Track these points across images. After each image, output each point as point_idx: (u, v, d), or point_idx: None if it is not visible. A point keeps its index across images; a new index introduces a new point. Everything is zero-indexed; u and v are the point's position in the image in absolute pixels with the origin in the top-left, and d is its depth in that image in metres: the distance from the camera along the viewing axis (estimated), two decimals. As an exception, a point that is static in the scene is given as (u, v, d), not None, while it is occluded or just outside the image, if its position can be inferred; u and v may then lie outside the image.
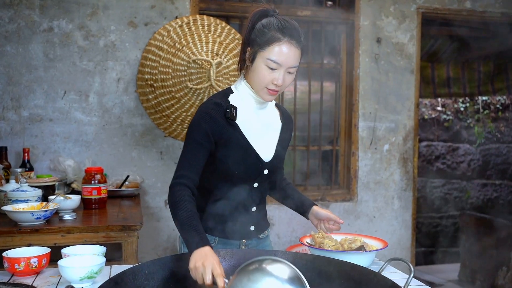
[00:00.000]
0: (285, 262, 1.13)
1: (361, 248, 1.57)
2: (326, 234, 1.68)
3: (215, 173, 1.61)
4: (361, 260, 1.52)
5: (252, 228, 1.72)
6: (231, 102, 1.64)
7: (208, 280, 1.21)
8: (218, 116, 1.59)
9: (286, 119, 1.79)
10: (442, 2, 3.71)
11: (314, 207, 1.74)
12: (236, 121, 1.62)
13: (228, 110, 1.60)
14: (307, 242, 1.70)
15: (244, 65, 1.65)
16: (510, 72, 5.43)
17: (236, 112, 1.62)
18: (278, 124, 1.75)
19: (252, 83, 1.62)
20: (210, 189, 1.65)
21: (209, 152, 1.58)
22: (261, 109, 1.69)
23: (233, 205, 1.64)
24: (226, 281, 1.20)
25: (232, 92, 1.68)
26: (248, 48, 1.62)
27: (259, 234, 1.76)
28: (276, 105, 1.79)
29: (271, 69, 1.56)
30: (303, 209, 1.80)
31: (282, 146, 1.75)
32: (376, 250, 1.58)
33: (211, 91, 2.96)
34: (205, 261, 1.25)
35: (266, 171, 1.68)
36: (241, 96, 1.66)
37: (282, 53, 1.55)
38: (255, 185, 1.67)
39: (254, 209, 1.70)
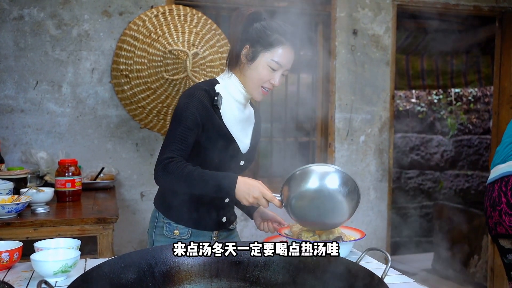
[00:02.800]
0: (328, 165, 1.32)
1: (338, 239, 1.58)
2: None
3: (194, 160, 1.61)
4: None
5: (224, 219, 1.77)
6: (217, 91, 1.68)
7: (266, 205, 1.50)
8: (206, 101, 1.63)
9: (257, 118, 1.86)
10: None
11: (261, 207, 1.79)
12: (220, 111, 1.67)
13: (216, 98, 1.65)
14: (285, 233, 1.70)
15: (237, 61, 1.69)
16: (482, 65, 5.54)
17: (221, 102, 1.67)
18: (252, 122, 1.82)
19: (247, 80, 1.68)
20: None
21: (195, 136, 1.60)
22: (242, 105, 1.74)
23: (209, 195, 1.64)
24: (278, 198, 1.49)
25: (218, 82, 1.72)
26: (247, 46, 1.66)
27: (229, 225, 1.82)
28: (250, 103, 1.85)
29: (272, 69, 1.64)
30: (248, 209, 1.87)
31: (254, 144, 1.81)
32: (353, 240, 1.59)
33: (187, 82, 2.93)
34: (253, 193, 1.48)
35: (242, 162, 1.73)
36: (228, 89, 1.70)
37: (285, 56, 1.64)
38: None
39: (227, 200, 1.74)
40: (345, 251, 1.54)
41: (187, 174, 1.50)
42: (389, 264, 1.17)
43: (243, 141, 1.74)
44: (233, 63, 1.71)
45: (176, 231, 1.72)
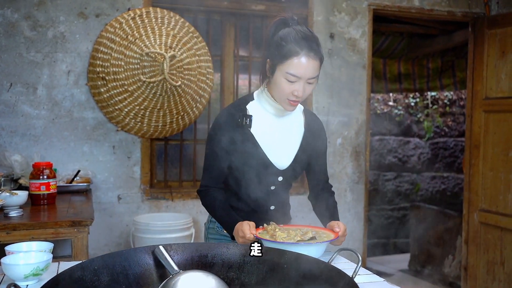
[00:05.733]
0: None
1: (312, 239, 1.60)
2: (279, 226, 1.71)
3: (232, 180, 1.73)
4: (312, 251, 1.54)
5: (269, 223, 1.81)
6: (249, 109, 1.70)
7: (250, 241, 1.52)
8: (231, 126, 1.66)
9: (311, 125, 1.79)
10: (392, 0, 3.80)
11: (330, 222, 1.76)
12: (252, 130, 1.67)
13: (239, 120, 1.65)
14: (259, 233, 1.71)
15: (266, 76, 1.69)
16: (457, 69, 5.65)
17: (250, 120, 1.67)
18: (300, 131, 1.76)
19: (274, 93, 1.66)
20: (233, 190, 1.76)
21: (226, 159, 1.68)
22: (281, 117, 1.72)
23: (253, 204, 1.75)
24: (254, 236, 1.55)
25: (252, 99, 1.73)
26: (268, 60, 1.65)
27: None
28: (304, 111, 1.81)
29: (290, 81, 1.59)
30: (324, 221, 1.86)
31: (306, 153, 1.76)
32: (327, 241, 1.61)
33: (164, 84, 2.93)
34: (238, 238, 1.57)
35: (280, 178, 1.73)
36: (261, 104, 1.71)
37: (300, 67, 1.56)
38: (272, 188, 1.74)
39: (272, 207, 1.79)
40: (318, 252, 1.56)
41: (211, 209, 1.74)
42: (359, 264, 1.19)
43: (282, 157, 1.72)
44: (264, 76, 1.71)
45: (225, 230, 1.79)
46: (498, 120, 3.80)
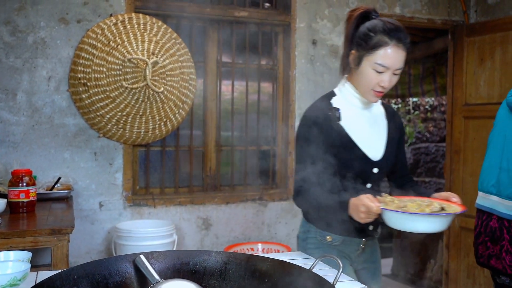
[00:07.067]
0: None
1: (442, 210, 1.50)
2: (396, 198, 1.58)
3: (327, 175, 1.66)
4: (446, 222, 1.47)
5: (371, 227, 1.79)
6: (334, 105, 1.68)
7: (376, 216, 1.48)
8: (321, 120, 1.64)
9: (391, 117, 1.81)
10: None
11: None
12: (341, 123, 1.66)
13: (330, 113, 1.64)
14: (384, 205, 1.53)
15: (348, 67, 1.68)
16: (438, 75, 5.73)
17: (339, 113, 1.66)
18: (384, 123, 1.78)
19: (358, 84, 1.66)
20: (327, 184, 1.68)
21: (320, 154, 1.63)
22: (366, 109, 1.72)
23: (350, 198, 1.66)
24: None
25: (334, 94, 1.72)
26: (353, 51, 1.65)
27: (375, 234, 1.84)
28: (382, 103, 1.81)
29: (378, 72, 1.60)
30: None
31: (393, 144, 1.77)
32: (457, 213, 1.49)
33: (147, 90, 2.91)
34: (359, 213, 1.48)
35: (376, 170, 1.71)
36: (345, 98, 1.70)
37: (390, 57, 1.58)
38: (368, 185, 1.71)
39: None
40: (445, 224, 1.48)
41: (315, 202, 1.63)
42: (341, 271, 1.19)
43: (373, 148, 1.71)
44: (345, 68, 1.70)
45: (328, 237, 1.77)
46: (477, 126, 3.86)
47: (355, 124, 1.69)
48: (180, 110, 3.20)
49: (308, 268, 1.25)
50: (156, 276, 1.20)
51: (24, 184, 2.36)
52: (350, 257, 1.82)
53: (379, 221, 1.69)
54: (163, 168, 3.49)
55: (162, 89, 2.95)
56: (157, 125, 3.14)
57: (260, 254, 2.87)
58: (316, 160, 1.63)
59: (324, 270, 1.51)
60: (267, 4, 3.74)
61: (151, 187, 3.47)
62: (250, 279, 1.31)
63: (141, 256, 1.27)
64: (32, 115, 3.05)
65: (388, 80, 1.62)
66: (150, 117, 3.06)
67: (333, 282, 1.15)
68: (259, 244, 3.39)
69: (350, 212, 1.53)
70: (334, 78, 3.76)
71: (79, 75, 2.98)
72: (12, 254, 1.43)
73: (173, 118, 3.19)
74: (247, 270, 1.34)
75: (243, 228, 3.54)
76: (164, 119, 3.14)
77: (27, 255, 1.43)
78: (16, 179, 2.37)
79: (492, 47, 3.74)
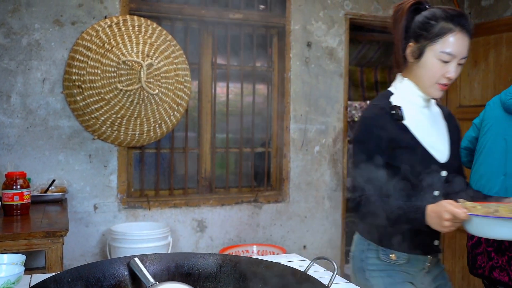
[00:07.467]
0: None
1: None
2: (475, 203, 1.46)
3: (391, 182, 1.51)
4: None
5: (436, 242, 1.64)
6: (393, 103, 1.56)
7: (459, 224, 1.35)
8: (384, 120, 1.52)
9: (448, 117, 1.70)
10: (368, 9, 3.86)
11: None
12: (404, 122, 1.54)
13: (393, 112, 1.52)
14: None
15: (405, 62, 1.56)
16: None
17: (402, 112, 1.54)
18: (443, 123, 1.66)
19: (419, 79, 1.55)
20: (391, 190, 1.54)
21: (383, 157, 1.50)
22: (426, 108, 1.60)
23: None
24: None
25: (391, 93, 1.61)
26: (410, 44, 1.54)
27: (439, 250, 1.68)
28: (436, 103, 1.70)
29: (444, 62, 1.49)
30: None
31: (455, 146, 1.65)
32: None
33: (141, 92, 2.91)
34: (443, 222, 1.34)
35: (444, 173, 1.57)
36: (404, 96, 1.58)
37: (456, 44, 1.49)
38: (436, 193, 1.56)
39: None
40: None
41: (381, 212, 1.45)
42: (335, 273, 1.19)
43: (439, 149, 1.57)
44: (401, 64, 1.58)
45: (392, 255, 1.60)
46: (471, 128, 3.88)
47: (418, 123, 1.56)
48: (175, 112, 3.19)
49: (303, 270, 1.25)
50: (151, 279, 1.19)
51: (18, 186, 2.35)
52: (415, 279, 1.64)
53: (439, 234, 1.61)
54: (158, 170, 3.49)
55: (156, 91, 2.94)
56: (152, 127, 3.13)
57: (255, 256, 2.87)
58: (379, 165, 1.48)
59: (319, 272, 1.51)
60: (262, 6, 3.75)
61: (146, 189, 3.46)
62: (245, 281, 1.31)
63: (136, 258, 1.26)
64: (27, 117, 3.04)
65: (454, 71, 1.50)
66: (145, 119, 3.06)
67: (328, 284, 1.15)
68: (254, 246, 3.40)
69: (428, 221, 1.39)
70: (329, 80, 3.77)
71: (74, 77, 2.97)
72: (5, 257, 1.42)
73: (168, 120, 3.18)
74: (242, 272, 1.34)
75: (238, 230, 3.54)
76: (159, 121, 3.13)
77: (21, 258, 1.43)
78: (10, 181, 2.36)
79: (486, 49, 3.76)
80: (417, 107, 1.59)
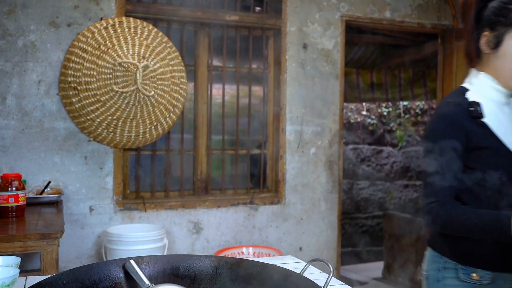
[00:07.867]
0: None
1: None
2: None
3: (467, 191, 1.38)
4: None
5: None
6: (471, 100, 1.42)
7: None
8: (462, 118, 1.38)
9: None
10: (364, 11, 3.87)
11: None
12: (484, 120, 1.39)
13: (472, 109, 1.38)
14: None
15: (479, 54, 1.45)
16: (428, 79, 5.77)
17: (481, 109, 1.39)
18: None
19: (498, 72, 1.41)
20: (469, 198, 1.40)
21: (461, 160, 1.35)
22: (505, 104, 1.45)
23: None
24: None
25: (467, 90, 1.47)
26: (485, 33, 1.41)
27: None
28: None
29: None
30: None
31: None
32: None
33: (137, 94, 2.91)
34: None
35: None
36: (481, 92, 1.44)
37: None
38: None
39: None
40: None
41: (458, 222, 1.31)
42: (331, 274, 1.19)
43: None
44: (474, 58, 1.46)
45: (474, 274, 1.43)
46: (467, 130, 3.89)
47: (499, 120, 1.40)
48: (171, 114, 3.19)
49: (299, 272, 1.26)
50: (146, 281, 1.19)
51: (14, 188, 2.35)
52: None
53: None
54: (153, 172, 3.48)
55: (152, 93, 2.94)
56: (147, 129, 3.13)
57: (251, 258, 2.87)
58: (455, 168, 1.34)
59: (315, 274, 1.51)
60: (258, 8, 3.76)
61: (142, 191, 3.45)
62: (241, 283, 1.31)
63: (131, 261, 1.26)
64: (22, 119, 3.03)
65: None
66: (140, 121, 3.06)
67: (324, 286, 1.15)
68: (250, 248, 3.40)
69: None
70: (325, 82, 3.78)
71: (69, 79, 2.97)
72: (0, 259, 1.41)
73: (164, 122, 3.18)
74: (238, 274, 1.34)
75: (234, 232, 3.54)
76: (155, 123, 3.13)
77: (16, 260, 1.42)
78: (5, 183, 2.35)
79: (481, 52, 3.77)
80: (495, 103, 1.44)
